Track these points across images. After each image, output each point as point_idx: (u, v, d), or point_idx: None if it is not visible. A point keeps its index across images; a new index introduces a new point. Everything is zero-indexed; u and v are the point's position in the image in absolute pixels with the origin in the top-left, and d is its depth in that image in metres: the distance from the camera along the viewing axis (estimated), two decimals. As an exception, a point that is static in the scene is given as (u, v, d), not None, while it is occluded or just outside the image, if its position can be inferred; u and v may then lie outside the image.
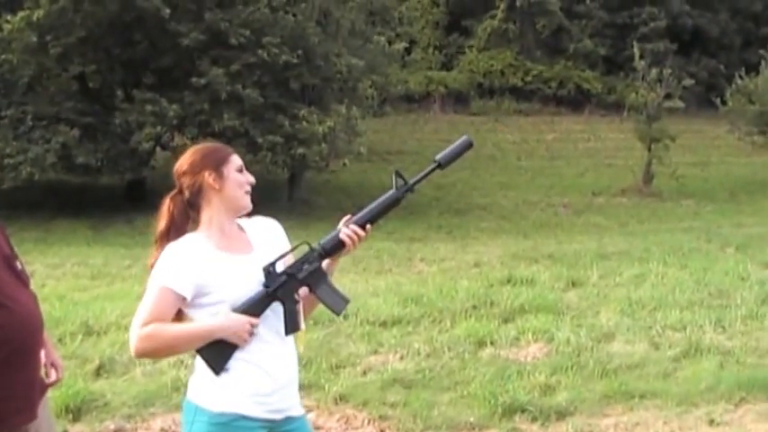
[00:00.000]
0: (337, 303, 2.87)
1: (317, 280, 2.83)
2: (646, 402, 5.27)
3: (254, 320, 2.73)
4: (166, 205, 2.83)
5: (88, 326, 6.94)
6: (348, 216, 2.88)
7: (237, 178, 2.83)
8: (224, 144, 2.97)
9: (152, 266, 2.78)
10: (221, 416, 2.74)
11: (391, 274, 10.96)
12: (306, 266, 2.81)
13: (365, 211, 2.87)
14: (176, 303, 2.72)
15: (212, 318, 2.73)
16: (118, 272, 11.55)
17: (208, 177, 2.79)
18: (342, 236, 2.82)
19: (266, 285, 2.76)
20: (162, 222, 2.82)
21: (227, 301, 2.72)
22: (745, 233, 15.58)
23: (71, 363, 5.88)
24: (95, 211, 19.46)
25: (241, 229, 2.88)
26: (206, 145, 2.94)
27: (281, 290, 2.77)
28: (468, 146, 2.93)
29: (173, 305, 2.72)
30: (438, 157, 2.89)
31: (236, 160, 2.86)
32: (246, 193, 2.85)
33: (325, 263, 2.86)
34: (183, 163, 2.85)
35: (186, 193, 2.82)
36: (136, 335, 2.69)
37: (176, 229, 2.80)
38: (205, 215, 2.82)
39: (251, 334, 2.73)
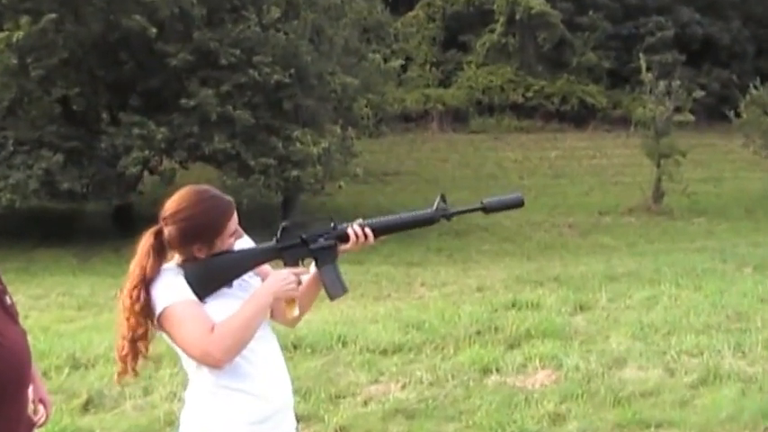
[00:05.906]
0: (336, 288, 2.84)
1: (326, 257, 2.81)
2: (662, 432, 5.25)
3: (296, 270, 2.76)
4: (150, 244, 2.74)
5: (75, 358, 6.94)
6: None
7: (227, 243, 2.79)
8: (224, 195, 2.82)
9: (138, 310, 2.76)
10: None
11: (390, 300, 10.94)
12: (321, 240, 2.80)
13: (389, 219, 2.89)
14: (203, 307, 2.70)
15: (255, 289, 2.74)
16: (105, 302, 11.50)
17: (197, 252, 2.75)
18: (349, 230, 2.82)
19: (277, 240, 2.77)
20: (146, 262, 2.73)
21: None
22: (763, 252, 15.50)
23: (57, 397, 5.86)
24: (81, 239, 19.44)
25: None
26: (208, 198, 2.77)
27: (288, 251, 2.77)
28: (519, 203, 2.99)
29: (203, 309, 2.68)
30: (486, 200, 2.94)
31: (231, 225, 2.78)
32: None
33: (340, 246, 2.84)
34: (175, 216, 2.74)
35: (167, 238, 2.75)
36: (209, 346, 2.61)
37: (156, 269, 2.75)
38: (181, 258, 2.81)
39: (299, 283, 2.75)
